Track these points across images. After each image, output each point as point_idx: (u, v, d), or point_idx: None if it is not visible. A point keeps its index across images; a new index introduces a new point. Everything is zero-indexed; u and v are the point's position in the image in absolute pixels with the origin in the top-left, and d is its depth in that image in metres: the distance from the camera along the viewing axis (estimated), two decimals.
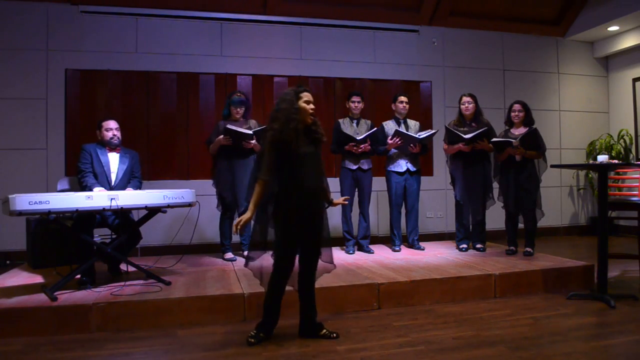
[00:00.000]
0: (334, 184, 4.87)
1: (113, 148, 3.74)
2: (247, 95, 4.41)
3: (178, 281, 3.49)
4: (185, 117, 5.32)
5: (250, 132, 4.13)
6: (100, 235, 3.89)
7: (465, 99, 4.53)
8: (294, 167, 2.53)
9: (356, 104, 4.61)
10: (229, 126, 4.06)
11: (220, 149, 4.20)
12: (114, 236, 3.60)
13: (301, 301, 2.69)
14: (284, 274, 2.61)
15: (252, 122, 4.38)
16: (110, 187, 3.64)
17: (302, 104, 2.57)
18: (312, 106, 2.60)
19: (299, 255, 2.63)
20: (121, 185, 3.71)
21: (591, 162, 5.20)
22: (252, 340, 2.59)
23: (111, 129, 3.73)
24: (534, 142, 4.22)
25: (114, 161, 3.75)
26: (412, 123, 4.74)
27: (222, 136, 4.11)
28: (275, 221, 2.58)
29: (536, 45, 6.50)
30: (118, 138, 3.75)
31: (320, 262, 2.66)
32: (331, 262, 2.69)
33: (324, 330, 2.70)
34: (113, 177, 3.71)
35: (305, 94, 2.60)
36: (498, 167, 4.51)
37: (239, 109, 4.26)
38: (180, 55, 5.30)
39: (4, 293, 3.19)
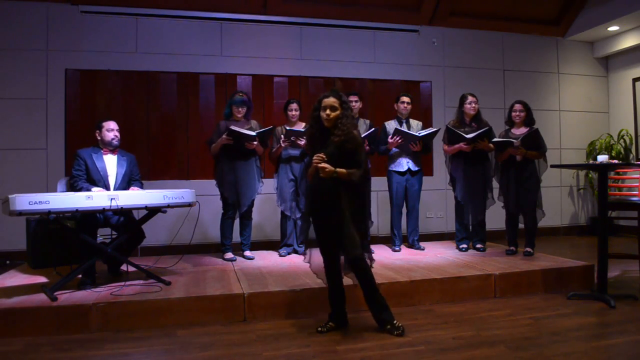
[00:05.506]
0: None
1: (112, 150, 3.70)
2: (249, 96, 4.41)
3: (178, 281, 3.49)
4: (185, 117, 5.32)
5: (253, 133, 4.13)
6: (101, 235, 3.88)
7: (470, 98, 4.51)
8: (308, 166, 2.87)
9: (353, 103, 4.59)
10: (232, 127, 4.07)
11: (222, 150, 4.20)
12: (114, 236, 3.60)
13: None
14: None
15: (253, 123, 4.38)
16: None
17: (322, 112, 2.80)
18: (327, 112, 2.75)
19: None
20: (121, 189, 3.62)
21: (591, 162, 5.20)
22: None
23: (112, 129, 3.70)
24: (535, 142, 4.22)
25: (111, 164, 3.69)
26: (414, 123, 4.72)
27: (224, 136, 4.11)
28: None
29: (536, 45, 6.50)
30: (119, 139, 3.73)
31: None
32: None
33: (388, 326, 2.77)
34: (112, 181, 3.65)
35: (324, 100, 2.79)
36: (498, 166, 4.51)
37: (240, 109, 4.26)
38: (180, 55, 5.30)
39: (4, 293, 3.19)
